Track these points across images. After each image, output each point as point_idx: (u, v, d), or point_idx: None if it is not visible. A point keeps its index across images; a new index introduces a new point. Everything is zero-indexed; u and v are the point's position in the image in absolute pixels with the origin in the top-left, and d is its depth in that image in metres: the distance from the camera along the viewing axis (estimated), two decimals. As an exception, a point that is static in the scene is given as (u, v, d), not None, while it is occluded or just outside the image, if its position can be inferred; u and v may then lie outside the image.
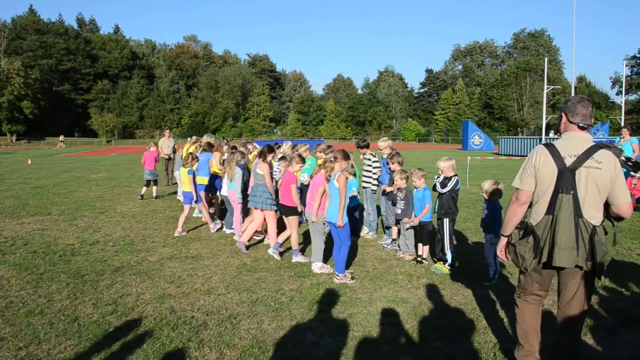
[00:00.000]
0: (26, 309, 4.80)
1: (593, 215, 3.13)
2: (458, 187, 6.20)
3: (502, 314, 4.74)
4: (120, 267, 6.27)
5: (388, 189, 7.19)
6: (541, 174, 3.21)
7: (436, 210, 6.30)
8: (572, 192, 3.10)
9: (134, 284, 5.59)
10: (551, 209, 3.16)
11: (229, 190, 8.11)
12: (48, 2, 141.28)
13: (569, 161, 3.13)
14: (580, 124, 3.20)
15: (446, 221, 6.19)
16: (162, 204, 11.57)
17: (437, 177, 6.33)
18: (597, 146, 3.15)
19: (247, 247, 7.20)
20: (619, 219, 3.25)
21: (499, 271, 5.80)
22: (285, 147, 9.89)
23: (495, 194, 5.73)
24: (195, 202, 8.31)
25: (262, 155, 7.33)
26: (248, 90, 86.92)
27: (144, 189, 12.33)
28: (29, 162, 27.45)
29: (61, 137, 65.42)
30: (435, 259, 6.38)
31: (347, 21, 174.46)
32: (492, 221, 5.75)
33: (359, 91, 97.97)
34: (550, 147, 3.22)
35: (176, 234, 8.20)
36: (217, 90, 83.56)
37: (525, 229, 3.31)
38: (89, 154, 41.65)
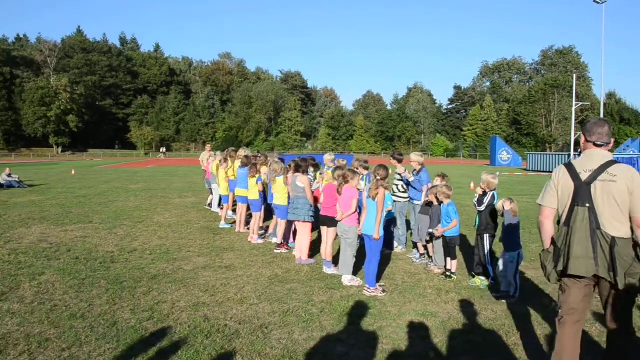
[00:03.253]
0: (69, 312, 5.04)
1: (614, 226, 3.22)
2: (494, 202, 6.18)
3: (532, 330, 4.67)
4: (157, 275, 6.48)
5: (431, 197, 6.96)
6: (561, 190, 3.42)
7: (476, 226, 6.30)
8: (587, 204, 3.25)
9: (170, 292, 5.77)
10: (568, 221, 3.34)
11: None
12: (94, 22, 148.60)
13: (584, 176, 3.32)
14: (597, 142, 3.42)
15: (486, 237, 6.16)
16: (197, 215, 11.85)
17: (475, 195, 6.38)
18: (614, 161, 3.31)
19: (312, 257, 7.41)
20: None
21: (519, 289, 5.71)
22: (329, 158, 9.78)
23: (510, 212, 5.78)
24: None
25: (298, 168, 7.53)
26: (280, 105, 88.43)
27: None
28: (73, 172, 28.48)
29: (163, 149, 73.28)
30: (474, 274, 6.33)
31: (376, 39, 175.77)
32: (509, 239, 5.76)
33: (388, 107, 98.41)
34: (568, 165, 3.47)
35: (253, 242, 8.66)
36: (251, 106, 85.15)
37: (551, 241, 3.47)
38: (128, 165, 42.92)
